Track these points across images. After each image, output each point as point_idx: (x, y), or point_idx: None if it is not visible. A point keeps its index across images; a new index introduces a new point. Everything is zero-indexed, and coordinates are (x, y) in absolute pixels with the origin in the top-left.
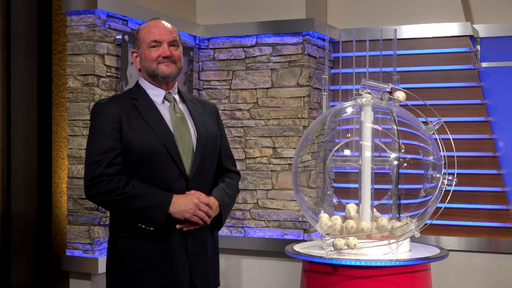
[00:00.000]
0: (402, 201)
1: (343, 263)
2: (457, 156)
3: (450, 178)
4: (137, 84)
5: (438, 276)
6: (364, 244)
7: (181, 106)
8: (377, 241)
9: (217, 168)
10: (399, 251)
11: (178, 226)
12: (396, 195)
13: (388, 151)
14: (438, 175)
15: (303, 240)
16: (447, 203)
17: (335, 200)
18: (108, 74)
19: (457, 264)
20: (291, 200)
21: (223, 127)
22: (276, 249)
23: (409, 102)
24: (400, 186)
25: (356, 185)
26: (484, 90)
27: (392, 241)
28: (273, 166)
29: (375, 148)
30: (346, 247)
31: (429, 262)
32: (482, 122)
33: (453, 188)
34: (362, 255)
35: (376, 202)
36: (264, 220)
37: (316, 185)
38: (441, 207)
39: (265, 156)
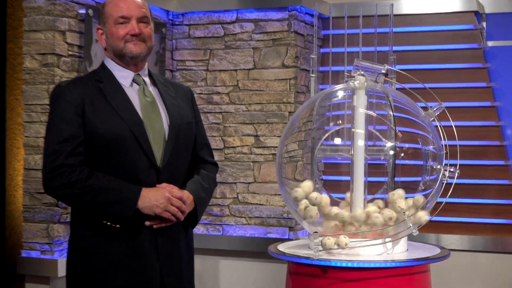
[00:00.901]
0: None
1: (333, 264)
2: (460, 145)
3: (452, 169)
4: (103, 65)
5: (439, 279)
6: (356, 243)
7: (152, 89)
8: (371, 239)
9: (192, 159)
10: (395, 251)
11: (147, 223)
12: (392, 189)
13: (384, 139)
14: (438, 167)
15: (289, 239)
16: (449, 197)
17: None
18: (70, 53)
19: (459, 265)
20: (275, 195)
21: (199, 112)
22: (258, 249)
23: (407, 85)
24: (396, 179)
25: (348, 178)
26: (490, 71)
27: (387, 239)
28: (255, 156)
29: (369, 136)
30: (336, 247)
31: (429, 263)
32: (488, 108)
33: (455, 180)
34: (354, 255)
35: (370, 197)
36: (244, 217)
37: (303, 178)
38: (442, 202)
39: (246, 145)
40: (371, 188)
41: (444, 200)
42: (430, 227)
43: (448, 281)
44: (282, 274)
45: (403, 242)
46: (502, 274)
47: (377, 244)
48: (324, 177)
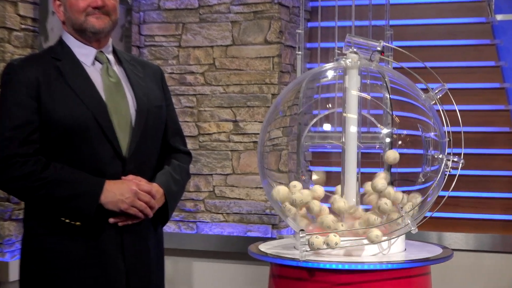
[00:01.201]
0: (396, 189)
1: (322, 266)
2: (464, 132)
3: (455, 159)
4: (60, 41)
5: (440, 282)
6: (348, 242)
7: (117, 68)
8: (364, 238)
9: (162, 148)
10: (392, 251)
11: (111, 220)
12: (388, 181)
13: (379, 125)
14: (440, 156)
15: (272, 238)
16: (452, 190)
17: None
18: (23, 26)
19: (464, 266)
20: (257, 188)
21: (170, 95)
22: (237, 250)
23: (405, 64)
24: (393, 170)
25: (339, 169)
26: (499, 49)
27: (383, 238)
28: (234, 144)
29: (362, 122)
30: (325, 246)
31: (429, 264)
32: (496, 90)
33: (459, 172)
34: (345, 256)
35: (363, 190)
36: (222, 213)
37: (288, 169)
38: (444, 196)
39: (224, 132)
40: (365, 180)
41: (446, 193)
42: (431, 224)
43: (451, 284)
44: (264, 277)
45: (400, 241)
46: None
47: (371, 244)
48: (311, 168)
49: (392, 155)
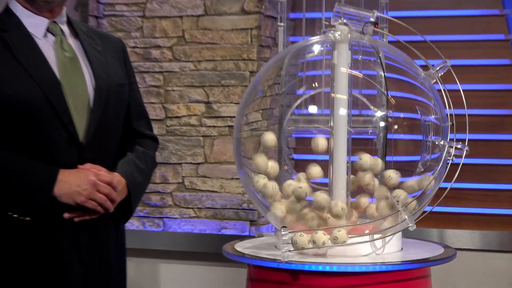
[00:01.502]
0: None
1: (307, 268)
2: (469, 115)
3: (459, 146)
4: (7, 10)
5: (442, 285)
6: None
7: (72, 41)
8: (355, 236)
9: (124, 132)
10: (387, 250)
11: (66, 216)
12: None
13: (372, 108)
14: (442, 142)
15: (250, 236)
16: (455, 182)
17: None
18: None
19: (469, 268)
20: (232, 179)
21: (134, 72)
22: (210, 250)
23: (402, 38)
24: (388, 158)
25: (326, 157)
26: (509, 20)
27: (376, 236)
28: (207, 129)
29: (353, 103)
30: (311, 246)
31: (429, 265)
32: (506, 66)
33: (463, 160)
34: (333, 256)
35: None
36: (192, 208)
37: (268, 157)
38: (446, 188)
39: (195, 115)
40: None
41: (449, 185)
42: (431, 220)
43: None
44: (241, 281)
45: (396, 240)
46: None
47: (363, 243)
48: (295, 156)
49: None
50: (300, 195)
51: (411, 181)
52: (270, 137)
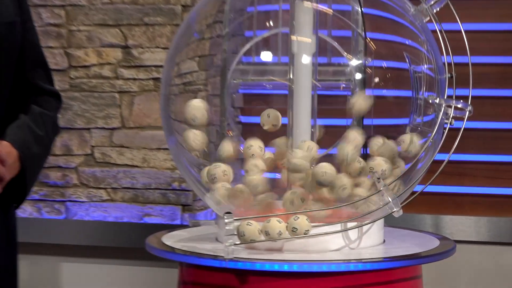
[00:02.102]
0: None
1: (258, 267)
2: (474, 64)
3: (460, 105)
4: None
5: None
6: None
7: None
8: (322, 225)
9: (15, 86)
10: (364, 243)
11: None
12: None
13: (345, 54)
14: (438, 101)
15: (182, 226)
16: (455, 153)
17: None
18: None
19: (472, 266)
20: (159, 150)
21: (29, 7)
22: (129, 244)
23: None
24: (366, 121)
25: (285, 120)
26: None
27: (350, 224)
28: (124, 83)
29: (321, 49)
30: (263, 237)
31: (420, 263)
32: None
33: (464, 124)
34: (293, 252)
35: (322, 152)
36: (105, 188)
37: (207, 121)
38: (443, 161)
39: (109, 64)
40: (324, 138)
41: (446, 158)
42: (423, 203)
43: None
44: (171, 284)
45: (377, 230)
46: None
47: (332, 233)
48: (242, 119)
49: (361, 101)
50: (251, 183)
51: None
52: (197, 105)
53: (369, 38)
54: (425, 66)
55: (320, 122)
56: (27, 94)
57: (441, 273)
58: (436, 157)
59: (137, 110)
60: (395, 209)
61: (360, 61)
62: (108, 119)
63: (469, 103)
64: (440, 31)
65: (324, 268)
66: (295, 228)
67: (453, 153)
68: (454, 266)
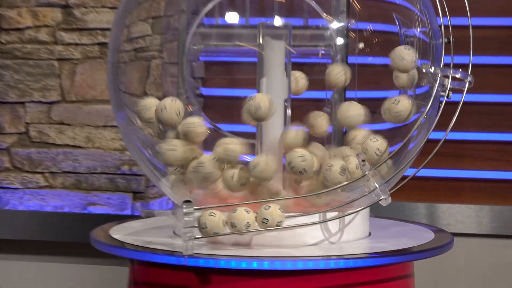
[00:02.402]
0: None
1: (223, 265)
2: (475, 27)
3: (458, 75)
4: None
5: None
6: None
7: None
8: (297, 215)
9: None
10: (346, 237)
11: None
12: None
13: (325, 15)
14: (433, 69)
15: (133, 217)
16: (453, 130)
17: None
18: None
19: (472, 262)
20: (106, 127)
21: None
22: (71, 238)
23: None
24: (349, 94)
25: (251, 92)
26: None
27: (330, 215)
28: (64, 49)
29: (296, 8)
30: (229, 229)
31: (412, 260)
32: None
33: (464, 97)
34: (263, 246)
35: (298, 128)
36: (43, 173)
37: (163, 92)
38: (438, 141)
39: (46, 26)
40: (300, 112)
41: (443, 136)
42: (416, 190)
43: None
44: (120, 285)
45: (361, 221)
46: None
47: (309, 225)
48: (204, 91)
49: (336, 70)
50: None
51: (385, 129)
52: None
53: None
54: (418, 29)
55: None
56: None
57: (436, 271)
58: (430, 135)
59: (80, 80)
60: (382, 197)
61: (342, 24)
62: (45, 92)
63: (470, 72)
64: None
65: (300, 266)
66: (265, 219)
67: (450, 131)
68: (451, 263)
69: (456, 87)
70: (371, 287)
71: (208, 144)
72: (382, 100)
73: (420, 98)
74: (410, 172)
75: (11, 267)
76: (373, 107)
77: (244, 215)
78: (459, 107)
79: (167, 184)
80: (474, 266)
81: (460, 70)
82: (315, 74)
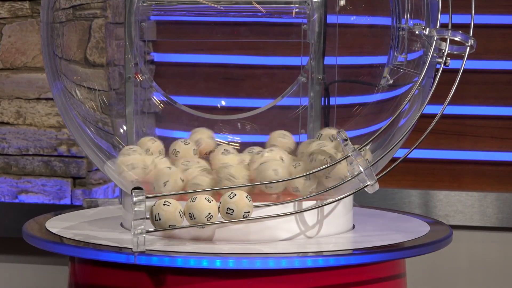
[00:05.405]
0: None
1: (180, 264)
2: None
3: (458, 38)
4: None
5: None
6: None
7: None
8: (268, 205)
9: None
10: (325, 231)
11: None
12: (320, 85)
13: None
14: (427, 31)
15: (73, 206)
16: (451, 104)
17: (159, 100)
18: None
19: (474, 259)
20: (39, 100)
21: None
22: (0, 232)
23: None
24: (328, 60)
25: (221, 58)
26: None
27: (306, 204)
28: None
29: None
30: (187, 222)
31: (403, 257)
32: None
33: (465, 64)
34: (228, 242)
35: (271, 102)
36: None
37: (107, 59)
38: (434, 116)
39: None
40: (272, 85)
41: (439, 110)
42: (409, 175)
43: None
44: (59, 286)
45: (344, 211)
46: None
47: (282, 216)
48: (155, 57)
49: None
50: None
51: (371, 102)
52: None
53: None
54: None
55: (266, 60)
56: None
57: (433, 271)
58: (425, 110)
59: (8, 44)
60: (368, 183)
61: None
62: None
63: (471, 34)
64: None
65: (271, 265)
66: (230, 209)
67: (449, 104)
68: (450, 261)
69: (455, 52)
70: None
71: (163, 119)
72: (366, 67)
73: (412, 65)
74: (401, 153)
75: None
76: (356, 76)
77: (205, 204)
78: (459, 76)
79: (113, 168)
80: (477, 264)
81: (460, 31)
82: (288, 36)
